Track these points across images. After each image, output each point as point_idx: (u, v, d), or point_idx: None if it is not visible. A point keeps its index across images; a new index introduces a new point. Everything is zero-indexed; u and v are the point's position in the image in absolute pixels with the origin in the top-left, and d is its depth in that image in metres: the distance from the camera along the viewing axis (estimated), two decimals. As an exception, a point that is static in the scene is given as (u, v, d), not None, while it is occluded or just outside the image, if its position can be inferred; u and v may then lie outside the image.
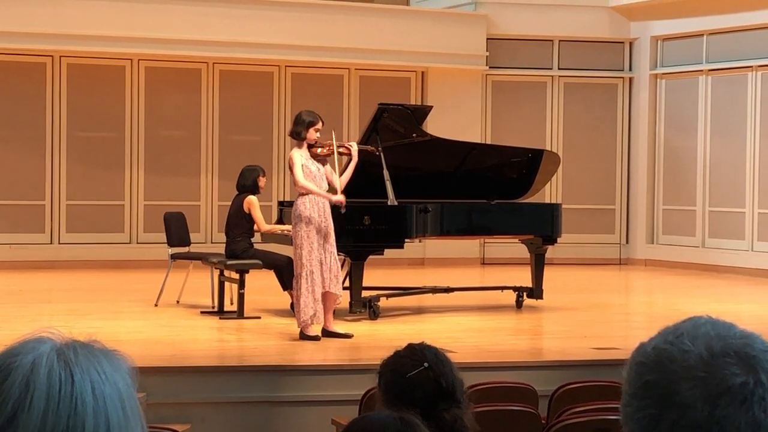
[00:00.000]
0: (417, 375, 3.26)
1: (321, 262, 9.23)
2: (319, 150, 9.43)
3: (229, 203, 11.22)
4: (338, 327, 9.50)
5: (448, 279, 12.60)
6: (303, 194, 9.31)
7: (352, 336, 9.38)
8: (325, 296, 9.29)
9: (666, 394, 1.38)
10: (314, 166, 9.37)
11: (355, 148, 9.78)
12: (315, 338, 9.23)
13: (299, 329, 9.30)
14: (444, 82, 16.88)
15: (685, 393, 1.37)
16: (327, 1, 16.38)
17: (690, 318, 1.47)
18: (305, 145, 9.39)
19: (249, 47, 15.78)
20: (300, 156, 9.34)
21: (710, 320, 1.44)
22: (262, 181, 11.04)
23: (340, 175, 9.59)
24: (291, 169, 9.40)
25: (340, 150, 9.73)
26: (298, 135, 9.37)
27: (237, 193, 11.01)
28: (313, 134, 9.34)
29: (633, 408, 1.41)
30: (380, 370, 3.37)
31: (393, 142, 10.80)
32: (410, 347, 3.41)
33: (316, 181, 9.33)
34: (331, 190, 9.60)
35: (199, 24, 15.50)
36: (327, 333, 9.37)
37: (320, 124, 9.42)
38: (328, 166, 9.57)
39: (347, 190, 9.78)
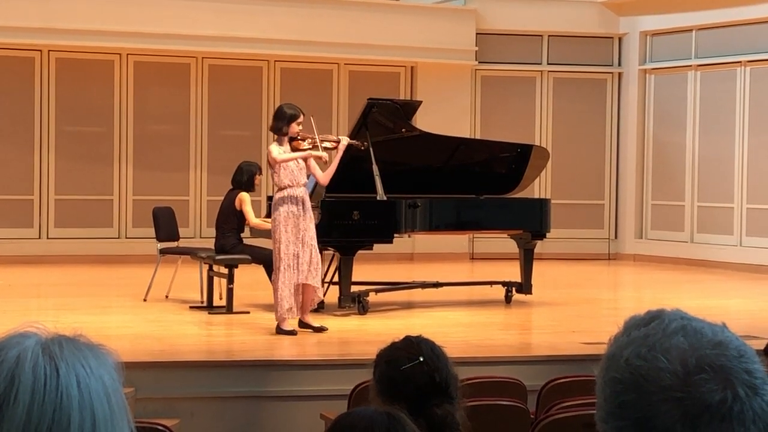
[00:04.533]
0: (411, 369, 3.26)
1: (297, 256, 9.20)
2: (302, 144, 9.38)
3: (218, 198, 11.21)
4: (314, 320, 9.49)
5: (437, 274, 12.60)
6: (282, 188, 9.29)
7: (327, 329, 9.38)
8: (304, 288, 9.29)
9: (644, 418, 1.36)
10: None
11: (344, 143, 9.76)
12: (291, 333, 9.22)
13: (276, 323, 9.30)
14: (433, 77, 16.88)
15: (663, 416, 1.35)
16: (316, -5, 16.38)
17: (658, 315, 1.44)
18: (286, 139, 9.35)
19: (238, 42, 15.75)
20: (279, 150, 9.30)
21: (680, 323, 1.41)
22: (258, 179, 11.05)
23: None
24: (272, 164, 9.34)
25: (325, 144, 9.68)
26: (279, 130, 9.32)
27: (231, 187, 11.00)
28: (294, 128, 9.32)
29: (611, 426, 1.40)
30: (376, 360, 3.38)
31: (382, 137, 10.79)
32: (407, 339, 3.42)
33: (296, 175, 9.29)
34: (335, 184, 9.60)
35: (188, 18, 15.47)
36: (302, 324, 9.40)
37: (302, 117, 9.40)
38: (311, 160, 9.51)
39: (334, 185, 9.79)
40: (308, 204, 9.32)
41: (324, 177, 9.61)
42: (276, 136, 9.40)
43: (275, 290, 9.26)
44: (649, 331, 1.42)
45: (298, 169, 9.33)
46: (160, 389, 7.54)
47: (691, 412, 1.34)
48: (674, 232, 17.01)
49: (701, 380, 1.35)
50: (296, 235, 9.21)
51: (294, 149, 9.34)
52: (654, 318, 1.44)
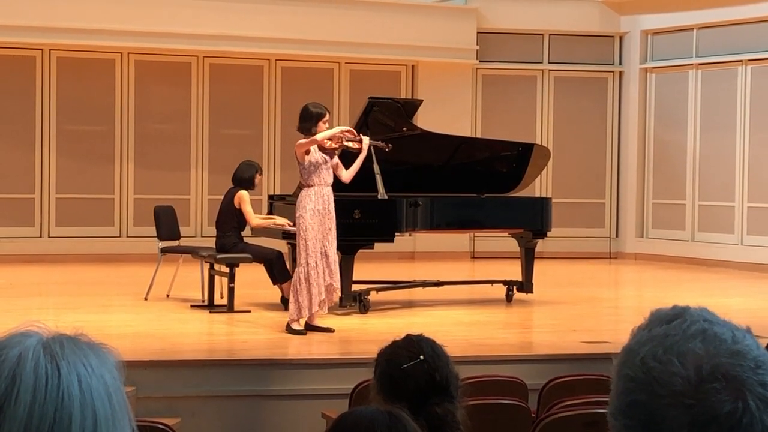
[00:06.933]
0: (412, 367, 3.28)
1: (325, 254, 9.23)
2: (327, 143, 9.40)
3: (219, 197, 11.21)
4: (320, 321, 9.48)
5: (438, 273, 12.60)
6: (309, 186, 9.29)
7: (334, 331, 9.37)
8: (327, 288, 9.29)
9: (652, 420, 1.36)
10: (321, 157, 9.36)
11: (366, 142, 9.78)
12: (301, 332, 9.22)
13: (288, 322, 9.28)
14: (434, 76, 16.87)
15: (671, 421, 1.34)
16: (317, -6, 16.37)
17: (682, 313, 1.43)
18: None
19: (239, 41, 15.75)
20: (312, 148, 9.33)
21: (701, 327, 1.40)
22: (258, 179, 11.05)
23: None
24: (300, 161, 9.34)
25: (348, 144, 9.71)
26: (308, 130, 9.31)
27: (231, 186, 10.99)
28: (322, 127, 9.31)
29: (620, 423, 1.39)
30: (377, 358, 3.39)
31: (383, 136, 10.79)
32: (408, 338, 3.44)
33: (324, 175, 9.31)
34: (336, 182, 9.60)
35: (189, 17, 15.47)
36: (309, 327, 9.37)
37: (328, 115, 9.42)
38: (335, 158, 9.55)
39: (335, 184, 9.78)
40: (333, 203, 9.34)
41: (347, 176, 9.65)
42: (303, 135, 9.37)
43: (296, 290, 9.23)
44: (669, 331, 1.40)
45: (326, 169, 9.35)
46: (161, 388, 7.54)
47: (699, 420, 1.33)
48: (675, 230, 17.01)
49: (713, 389, 1.33)
50: (323, 233, 9.23)
51: (320, 147, 9.34)
52: (677, 315, 1.43)
